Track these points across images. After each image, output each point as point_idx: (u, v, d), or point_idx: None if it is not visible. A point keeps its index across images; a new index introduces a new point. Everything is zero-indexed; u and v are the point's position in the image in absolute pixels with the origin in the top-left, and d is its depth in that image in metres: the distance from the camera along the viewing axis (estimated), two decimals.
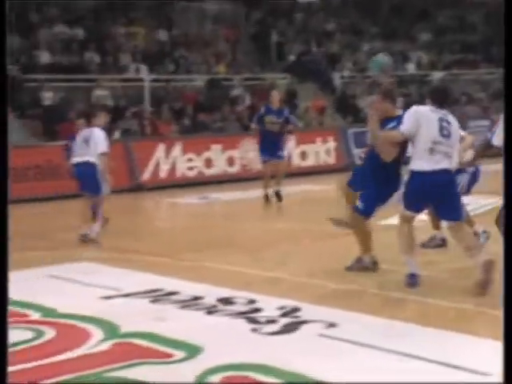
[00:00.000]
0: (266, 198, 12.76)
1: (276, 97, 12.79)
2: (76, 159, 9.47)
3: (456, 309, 5.97)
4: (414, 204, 6.60)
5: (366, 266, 7.24)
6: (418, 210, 6.76)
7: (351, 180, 7.42)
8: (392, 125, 6.78)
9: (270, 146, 12.54)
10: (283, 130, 12.60)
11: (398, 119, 6.72)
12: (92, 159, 9.25)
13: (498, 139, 6.12)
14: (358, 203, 7.12)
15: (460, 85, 22.47)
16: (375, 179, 6.98)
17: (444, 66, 23.67)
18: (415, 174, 6.47)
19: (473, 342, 5.14)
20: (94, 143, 9.23)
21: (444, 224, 7.07)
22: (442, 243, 8.22)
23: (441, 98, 6.72)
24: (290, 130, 12.95)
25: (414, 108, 6.64)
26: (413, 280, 6.58)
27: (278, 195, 12.78)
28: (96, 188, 9.29)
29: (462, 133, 7.42)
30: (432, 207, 7.01)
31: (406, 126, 6.53)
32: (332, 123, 19.23)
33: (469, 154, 7.44)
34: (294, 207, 12.61)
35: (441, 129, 6.47)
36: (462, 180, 7.83)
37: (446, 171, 6.47)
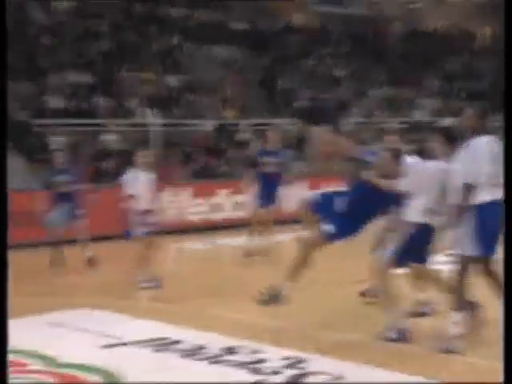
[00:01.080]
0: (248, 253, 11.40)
1: (271, 137, 11.92)
2: None
3: (465, 362, 5.84)
4: (410, 255, 6.50)
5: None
6: (421, 261, 6.60)
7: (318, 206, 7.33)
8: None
9: (264, 192, 11.40)
10: (280, 172, 11.43)
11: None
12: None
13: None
14: (330, 227, 6.92)
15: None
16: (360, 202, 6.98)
17: (451, 112, 23.70)
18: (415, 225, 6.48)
19: None
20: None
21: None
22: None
23: (455, 139, 6.62)
24: (287, 178, 11.67)
25: (429, 168, 6.60)
26: (405, 335, 6.37)
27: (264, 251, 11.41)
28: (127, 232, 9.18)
29: None
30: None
31: (407, 183, 6.58)
32: (340, 169, 19.16)
33: None
34: None
35: (442, 187, 6.44)
36: None
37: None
